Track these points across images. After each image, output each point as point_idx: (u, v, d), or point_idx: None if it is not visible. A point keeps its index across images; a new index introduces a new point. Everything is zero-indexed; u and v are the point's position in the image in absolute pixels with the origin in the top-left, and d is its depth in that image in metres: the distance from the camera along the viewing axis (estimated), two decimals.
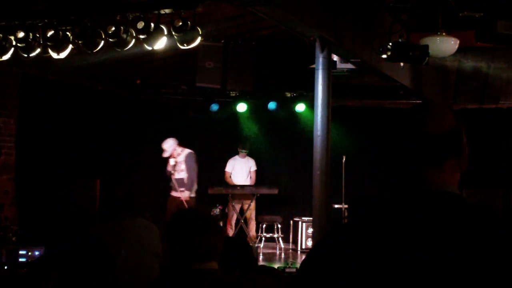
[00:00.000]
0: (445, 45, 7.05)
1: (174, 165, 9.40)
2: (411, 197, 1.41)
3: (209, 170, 10.48)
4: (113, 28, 5.99)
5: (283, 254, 10.17)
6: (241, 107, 10.75)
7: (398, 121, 1.49)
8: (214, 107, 10.77)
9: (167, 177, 9.51)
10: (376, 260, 1.31)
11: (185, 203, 9.16)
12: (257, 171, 10.59)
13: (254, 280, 3.02)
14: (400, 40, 6.60)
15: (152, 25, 5.88)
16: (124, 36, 5.97)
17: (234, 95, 10.45)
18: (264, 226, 10.46)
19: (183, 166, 9.43)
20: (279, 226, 10.48)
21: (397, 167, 1.47)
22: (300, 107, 10.66)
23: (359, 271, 1.32)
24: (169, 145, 9.42)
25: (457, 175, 1.46)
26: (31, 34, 6.34)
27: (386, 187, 1.49)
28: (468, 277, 1.26)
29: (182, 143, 9.57)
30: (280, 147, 11.35)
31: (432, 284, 1.27)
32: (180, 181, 9.39)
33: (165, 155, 9.43)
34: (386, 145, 1.50)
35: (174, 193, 9.46)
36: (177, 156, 9.46)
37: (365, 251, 1.33)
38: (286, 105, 10.74)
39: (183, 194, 9.31)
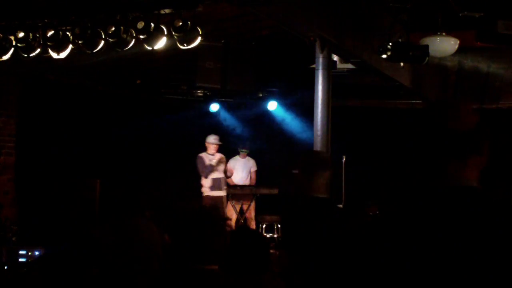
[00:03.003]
0: (445, 45, 7.05)
1: (217, 164, 9.63)
2: (436, 193, 1.48)
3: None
4: (113, 28, 5.99)
5: None
6: (240, 107, 10.80)
7: (421, 119, 1.55)
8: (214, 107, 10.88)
9: (204, 176, 9.57)
10: (403, 250, 1.42)
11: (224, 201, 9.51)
12: (257, 171, 10.58)
13: (258, 282, 2.98)
14: (400, 40, 6.60)
15: (152, 25, 5.87)
16: (124, 36, 5.97)
17: (233, 95, 10.47)
18: (264, 226, 10.45)
19: (221, 166, 9.70)
20: (279, 226, 10.47)
21: (421, 163, 1.53)
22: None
23: (389, 263, 1.43)
24: (218, 140, 9.61)
25: (478, 171, 1.53)
26: (31, 34, 6.33)
27: (410, 183, 1.55)
28: (485, 267, 1.35)
29: (182, 143, 9.57)
30: (279, 147, 11.34)
31: (457, 272, 1.36)
32: (223, 181, 9.69)
33: (214, 149, 9.56)
34: (406, 142, 1.56)
35: (215, 192, 9.60)
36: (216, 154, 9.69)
37: (394, 244, 1.44)
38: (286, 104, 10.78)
39: (224, 193, 9.63)
